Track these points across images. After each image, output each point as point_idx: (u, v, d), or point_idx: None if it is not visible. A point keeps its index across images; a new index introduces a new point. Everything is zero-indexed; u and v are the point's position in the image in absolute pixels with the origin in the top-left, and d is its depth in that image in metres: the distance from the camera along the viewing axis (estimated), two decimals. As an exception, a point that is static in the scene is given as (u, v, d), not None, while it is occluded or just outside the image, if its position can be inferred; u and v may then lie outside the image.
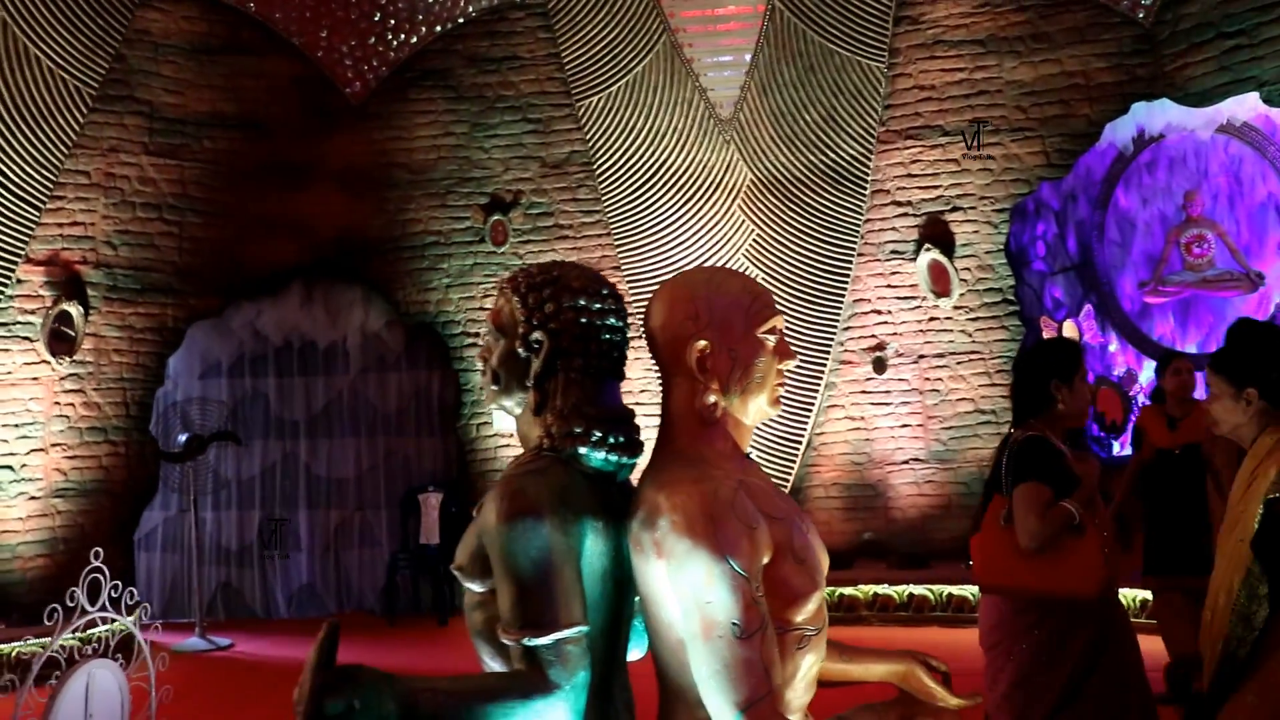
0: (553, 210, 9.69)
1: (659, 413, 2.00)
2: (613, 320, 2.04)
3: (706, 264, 9.45)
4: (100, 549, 4.11)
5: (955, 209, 9.36)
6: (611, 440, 1.98)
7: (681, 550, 1.73)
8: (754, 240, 9.53)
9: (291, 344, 9.96)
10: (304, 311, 9.96)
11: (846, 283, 9.48)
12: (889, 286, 9.51)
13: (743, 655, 1.69)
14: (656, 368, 2.01)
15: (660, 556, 1.76)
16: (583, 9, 9.42)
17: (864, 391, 9.65)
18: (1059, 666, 3.32)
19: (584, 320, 2.00)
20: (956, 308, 9.36)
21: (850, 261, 9.46)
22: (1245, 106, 8.73)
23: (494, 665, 1.93)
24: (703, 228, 9.56)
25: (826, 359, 9.50)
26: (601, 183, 9.60)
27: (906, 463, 9.48)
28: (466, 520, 9.48)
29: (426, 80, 9.65)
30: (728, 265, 9.31)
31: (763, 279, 9.43)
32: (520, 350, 2.01)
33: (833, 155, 9.38)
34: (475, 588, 1.94)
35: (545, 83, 9.58)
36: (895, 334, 9.51)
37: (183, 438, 8.92)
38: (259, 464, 9.92)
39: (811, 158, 9.40)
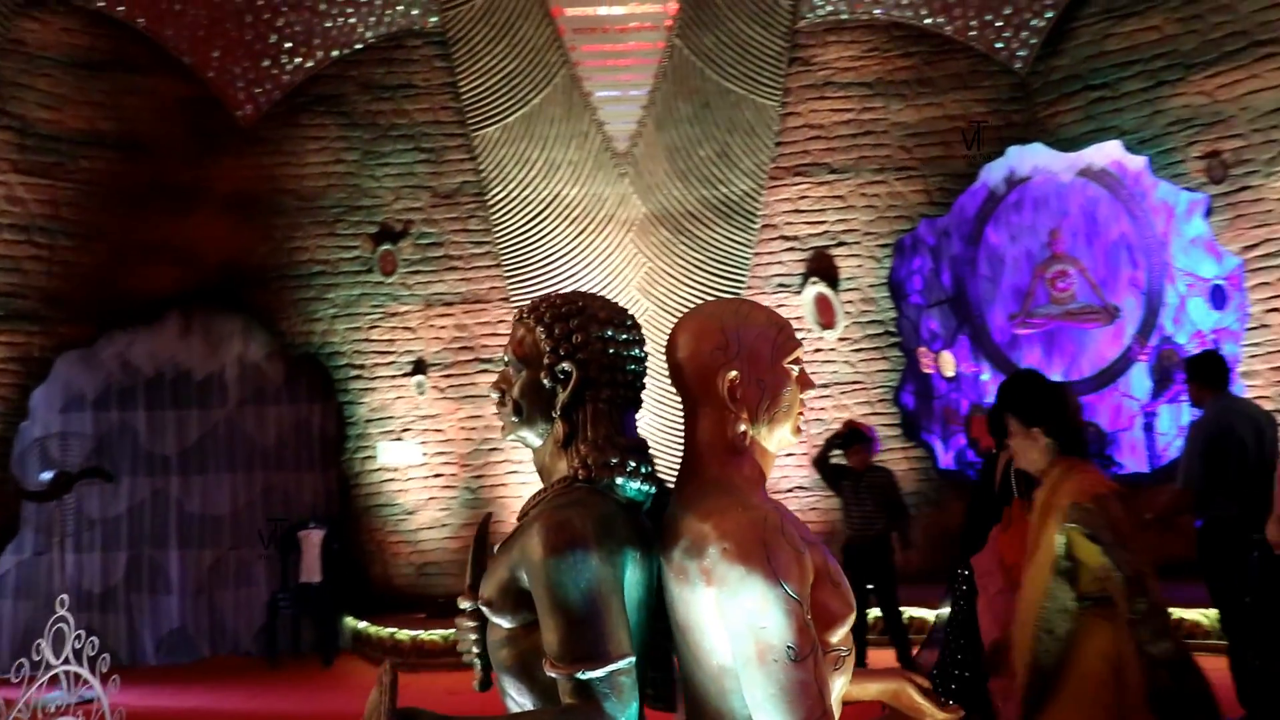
0: (443, 240, 9.57)
1: (682, 443, 1.99)
2: (637, 351, 2.03)
3: (606, 294, 9.49)
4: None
5: (841, 244, 9.66)
6: (644, 470, 1.98)
7: (735, 577, 1.73)
8: (646, 273, 9.61)
9: (164, 375, 9.50)
10: (181, 342, 9.52)
11: (735, 316, 9.64)
12: (775, 320, 9.71)
13: (799, 678, 1.71)
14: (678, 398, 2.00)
15: (710, 584, 1.76)
16: (482, 40, 9.37)
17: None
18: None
19: (611, 351, 1.99)
20: (841, 339, 9.65)
21: (740, 294, 9.63)
22: (1103, 153, 9.31)
23: (523, 702, 1.90)
24: (595, 260, 9.60)
25: (715, 390, 9.62)
26: (494, 213, 9.53)
27: (792, 491, 9.67)
28: (350, 558, 9.23)
29: (319, 105, 9.43)
30: (619, 298, 9.41)
31: (653, 311, 9.53)
32: (545, 381, 1.98)
33: (725, 190, 9.57)
34: (504, 624, 1.91)
35: (439, 112, 9.47)
36: (781, 365, 9.71)
37: (47, 475, 8.38)
38: (126, 501, 9.40)
39: (704, 192, 9.56)
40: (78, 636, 3.88)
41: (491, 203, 9.53)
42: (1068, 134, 9.02)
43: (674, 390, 1.99)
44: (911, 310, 9.90)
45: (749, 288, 9.64)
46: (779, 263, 9.74)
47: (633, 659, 1.80)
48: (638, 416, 2.07)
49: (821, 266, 9.69)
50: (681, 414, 2.02)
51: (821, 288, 9.59)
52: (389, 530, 9.51)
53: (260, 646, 9.17)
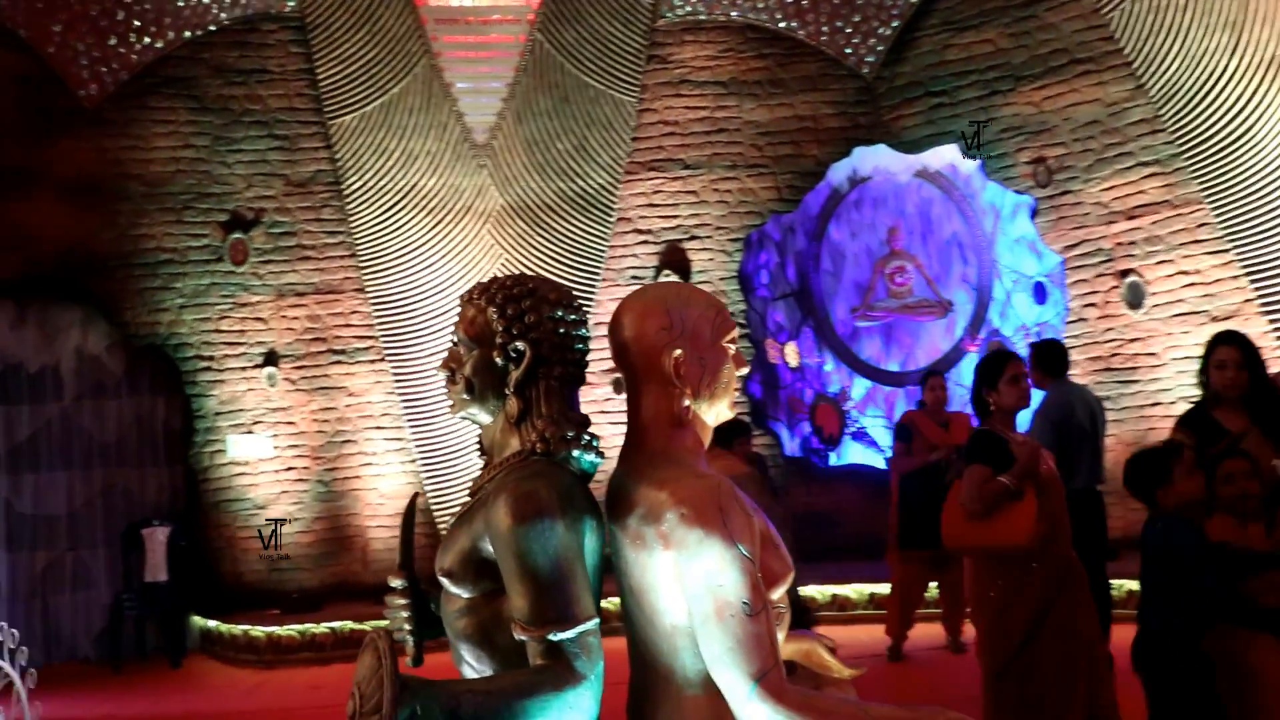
0: (296, 230, 9.36)
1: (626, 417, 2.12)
2: (583, 330, 2.16)
3: (455, 287, 9.48)
4: None
5: (693, 237, 9.93)
6: (595, 444, 2.11)
7: (693, 540, 1.87)
8: (502, 264, 9.64)
9: (-9, 368, 8.97)
10: (13, 333, 8.99)
11: (591, 307, 9.78)
12: (629, 311, 9.90)
13: (754, 631, 1.86)
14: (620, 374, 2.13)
15: (668, 548, 1.89)
16: (341, 26, 9.20)
17: (603, 411, 9.96)
18: (1016, 616, 4.08)
19: (561, 330, 2.10)
20: (693, 332, 9.89)
21: (595, 286, 9.78)
22: (939, 156, 9.85)
23: (481, 669, 2.00)
24: (452, 251, 9.57)
25: (572, 381, 9.74)
26: (349, 203, 9.39)
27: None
28: (199, 554, 8.95)
29: (168, 88, 9.06)
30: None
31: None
32: (498, 359, 2.08)
33: (582, 184, 9.69)
34: (464, 593, 2.00)
35: (295, 99, 9.25)
36: (635, 356, 9.91)
37: None
38: (-54, 503, 8.85)
39: (562, 185, 9.66)
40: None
41: (347, 192, 9.38)
42: (910, 136, 9.54)
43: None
44: (758, 303, 10.25)
45: (603, 280, 9.80)
46: (633, 255, 9.94)
47: (598, 620, 1.93)
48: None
49: (674, 260, 9.94)
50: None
51: (674, 280, 9.82)
52: (239, 526, 9.27)
53: (101, 651, 8.79)
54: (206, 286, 9.23)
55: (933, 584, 7.48)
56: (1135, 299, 8.79)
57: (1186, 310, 8.51)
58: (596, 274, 9.77)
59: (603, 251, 9.79)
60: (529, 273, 2.30)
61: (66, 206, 8.89)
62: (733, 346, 2.12)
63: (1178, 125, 8.32)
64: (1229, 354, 4.41)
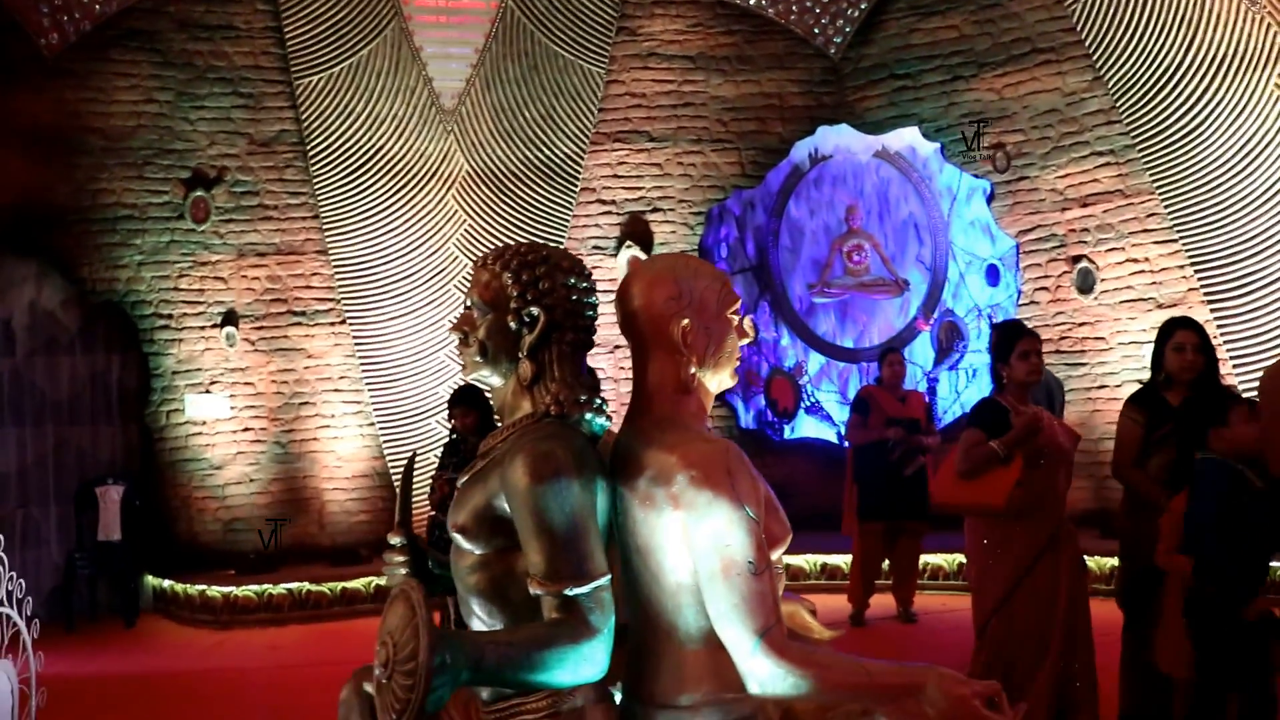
0: (258, 189, 9.27)
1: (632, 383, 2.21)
2: (592, 298, 2.23)
3: (417, 252, 9.48)
4: None
5: (656, 209, 10.01)
6: (605, 407, 2.20)
7: (703, 501, 1.96)
8: (466, 230, 9.65)
9: (-60, 324, 8.79)
10: (-36, 287, 8.82)
11: (553, 276, 9.82)
12: (590, 280, 9.97)
13: (758, 589, 1.96)
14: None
15: (678, 508, 1.98)
16: (312, -15, 9.09)
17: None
18: (996, 575, 4.37)
19: (574, 298, 2.17)
20: (652, 302, 9.99)
21: (558, 256, 9.81)
22: (899, 137, 10.01)
23: (492, 623, 2.08)
24: (415, 215, 9.55)
25: (531, 349, 9.80)
26: (313, 164, 9.31)
27: (601, 448, 10.00)
28: (156, 514, 8.89)
29: (132, 40, 8.87)
30: (437, 255, 9.43)
31: (471, 268, 9.57)
32: (512, 324, 2.14)
33: (548, 152, 9.71)
34: (476, 550, 2.08)
35: (261, 56, 9.13)
36: (594, 325, 9.99)
37: None
38: (-110, 458, 8.69)
39: (528, 153, 9.68)
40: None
41: (311, 153, 9.29)
42: (873, 118, 9.70)
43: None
44: (717, 276, 10.36)
45: (567, 249, 9.82)
46: (596, 225, 10.00)
47: (609, 576, 2.01)
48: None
49: (636, 231, 10.01)
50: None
51: (635, 251, 9.92)
52: (195, 486, 9.22)
53: (53, 610, 8.69)
54: (166, 244, 9.12)
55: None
56: (1086, 284, 9.05)
57: (1134, 297, 8.79)
58: (559, 243, 9.81)
59: (566, 221, 9.83)
60: (538, 241, 2.37)
61: (23, 158, 8.70)
62: (736, 317, 2.21)
63: (1132, 117, 8.55)
64: (1188, 337, 4.55)
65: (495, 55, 9.47)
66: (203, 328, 9.21)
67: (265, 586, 8.52)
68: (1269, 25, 7.77)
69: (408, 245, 9.51)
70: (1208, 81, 8.10)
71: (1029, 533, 4.34)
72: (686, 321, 2.12)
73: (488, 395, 6.36)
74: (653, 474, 2.02)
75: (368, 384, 9.52)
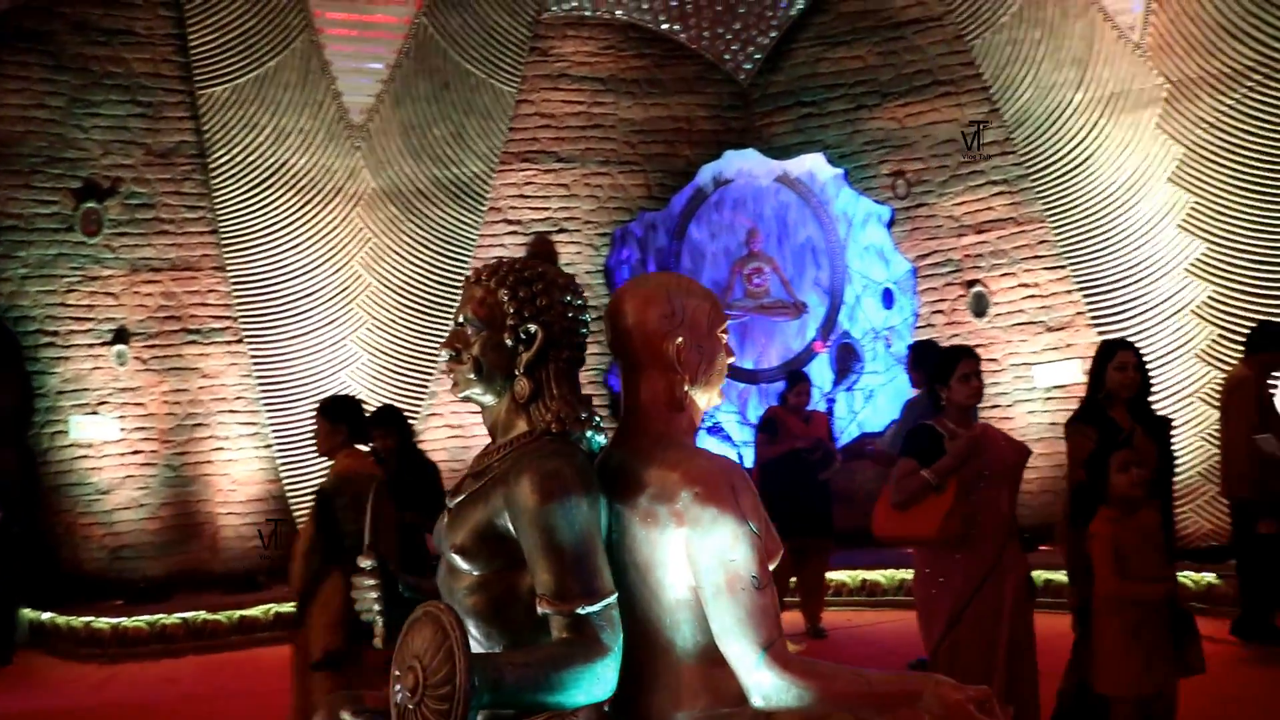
0: (154, 202, 8.94)
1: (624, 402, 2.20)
2: (586, 316, 2.24)
3: (321, 269, 9.27)
4: None
5: (562, 230, 10.03)
6: (601, 424, 2.20)
7: (708, 518, 1.98)
8: (371, 248, 9.48)
9: None
10: None
11: (458, 295, 9.73)
12: (494, 301, 9.92)
13: (762, 603, 1.99)
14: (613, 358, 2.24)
15: (682, 524, 2.00)
16: (220, -8, 8.82)
17: (464, 399, 9.96)
18: (943, 600, 4.28)
19: (570, 315, 2.17)
20: (556, 323, 9.99)
21: (463, 275, 9.73)
22: (799, 163, 10.25)
23: (488, 645, 2.05)
24: (319, 232, 9.34)
25: (433, 369, 9.69)
26: (214, 177, 9.01)
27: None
28: (36, 542, 8.42)
29: (22, 41, 8.43)
30: (341, 273, 9.24)
31: (375, 288, 9.44)
32: (508, 341, 2.12)
33: (457, 171, 9.64)
34: (476, 570, 2.05)
35: (161, 64, 8.81)
36: (497, 346, 9.93)
37: None
38: None
39: (436, 172, 9.58)
40: None
41: (212, 166, 8.99)
42: (779, 143, 9.93)
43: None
44: (619, 297, 10.42)
45: (471, 269, 9.75)
46: (501, 246, 9.95)
47: (616, 594, 2.00)
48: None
49: (542, 251, 9.99)
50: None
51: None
52: (79, 511, 8.78)
53: (-80, 647, 8.16)
54: (54, 257, 8.68)
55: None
56: (979, 308, 9.42)
57: (1025, 320, 9.18)
58: (465, 263, 9.73)
59: (473, 240, 9.76)
60: (529, 258, 2.35)
61: (-100, 163, 8.21)
62: (725, 336, 2.24)
63: (1026, 149, 8.97)
64: (1128, 357, 4.74)
65: (407, 72, 9.36)
66: (91, 345, 8.80)
67: (157, 616, 8.16)
68: (1152, 68, 8.25)
69: (311, 263, 9.29)
70: (1096, 117, 8.55)
71: (970, 561, 4.25)
72: (680, 340, 2.14)
73: (407, 418, 6.27)
74: (655, 491, 2.03)
75: (265, 405, 9.24)
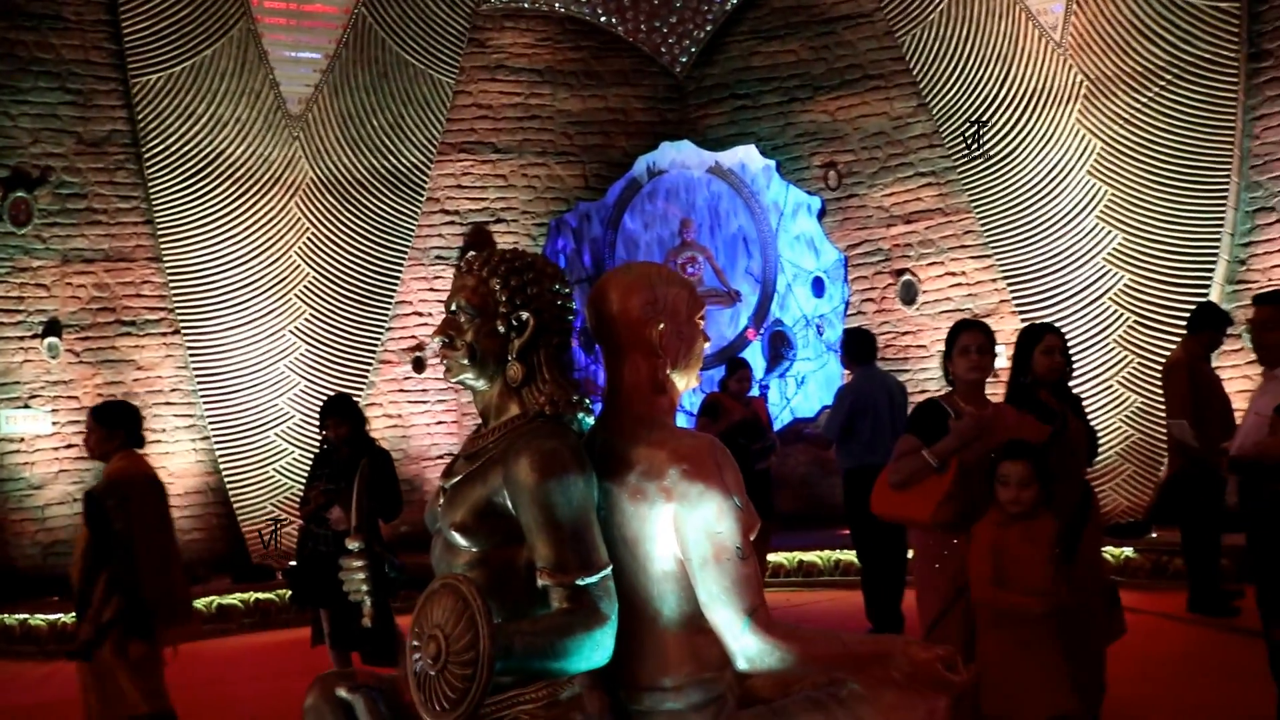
0: (86, 192, 8.78)
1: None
2: (573, 303, 2.36)
3: (258, 259, 9.20)
4: None
5: (499, 220, 10.10)
6: (591, 406, 2.32)
7: (695, 492, 2.13)
8: (309, 238, 9.44)
9: None
10: None
11: (397, 285, 9.75)
12: (431, 290, 9.97)
13: (745, 572, 2.15)
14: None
15: (670, 500, 2.14)
16: (154, -21, 8.68)
17: (402, 390, 9.99)
18: (939, 582, 4.10)
19: (559, 302, 2.29)
20: (494, 312, 10.06)
21: (401, 265, 9.76)
22: (732, 154, 10.46)
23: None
24: (256, 222, 9.26)
25: (372, 359, 9.69)
26: (149, 167, 8.88)
27: (441, 458, 9.97)
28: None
29: (-55, 27, 8.24)
30: (279, 263, 9.18)
31: (314, 277, 9.40)
32: (500, 327, 2.23)
33: (395, 161, 9.63)
34: (474, 547, 2.16)
35: (92, 51, 8.65)
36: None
37: None
38: None
39: (374, 162, 9.56)
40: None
41: (147, 155, 8.86)
42: (713, 135, 10.12)
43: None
44: (555, 287, 10.51)
45: (409, 259, 9.78)
46: (439, 235, 9.99)
47: (611, 566, 2.13)
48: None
49: (479, 241, 10.05)
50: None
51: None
52: (11, 507, 8.62)
53: None
54: (-18, 248, 8.51)
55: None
56: (908, 296, 9.72)
57: (952, 308, 9.49)
58: (403, 253, 9.74)
59: (411, 230, 9.77)
60: (518, 249, 2.46)
61: None
62: (702, 323, 2.38)
63: (953, 142, 9.27)
64: (1055, 341, 4.71)
65: (345, 61, 9.32)
66: (21, 338, 8.63)
67: (97, 611, 8.06)
68: (1071, 66, 8.59)
69: (248, 252, 9.21)
70: (1020, 112, 8.87)
71: (964, 547, 3.97)
72: (663, 326, 2.27)
73: (358, 406, 6.31)
74: (644, 469, 2.16)
75: (202, 397, 9.15)
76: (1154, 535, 7.93)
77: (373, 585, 2.33)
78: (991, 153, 9.07)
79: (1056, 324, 8.82)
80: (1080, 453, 4.77)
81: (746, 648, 2.13)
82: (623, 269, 2.41)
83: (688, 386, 2.37)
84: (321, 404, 6.30)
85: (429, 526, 2.35)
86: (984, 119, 8.81)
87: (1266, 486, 3.98)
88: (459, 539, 2.16)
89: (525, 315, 2.22)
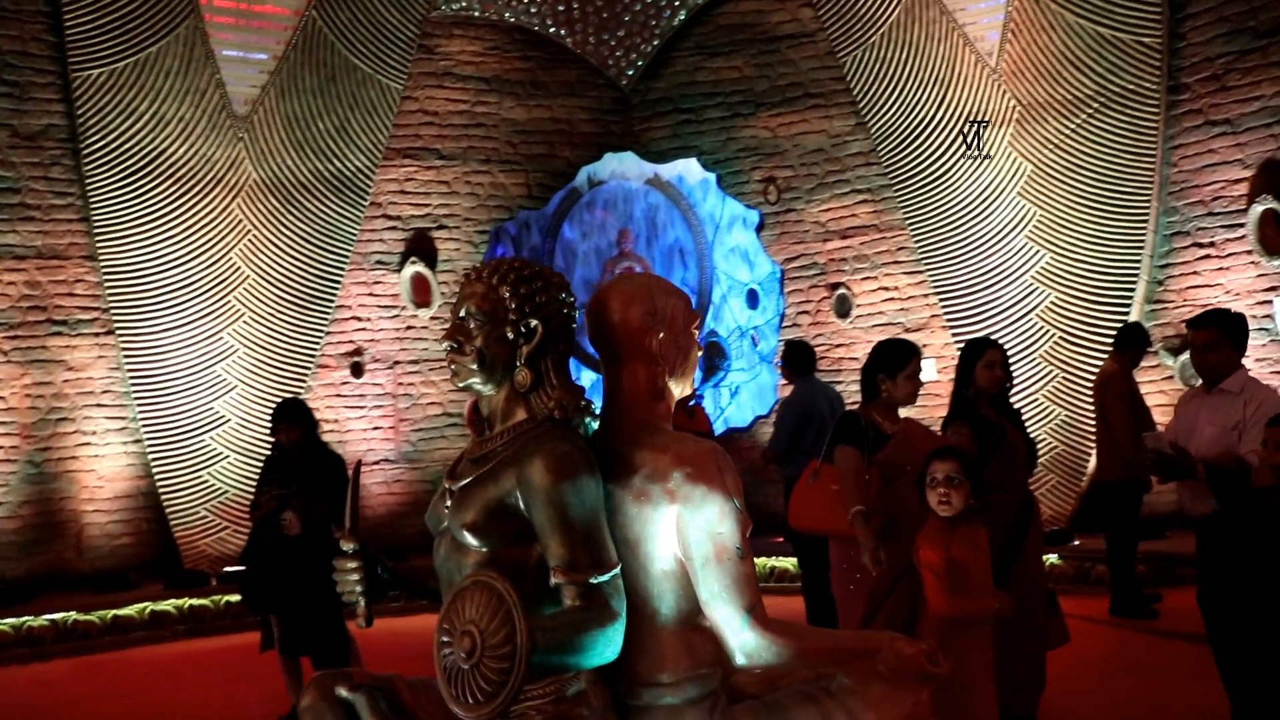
0: (19, 187, 8.55)
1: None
2: (577, 312, 2.46)
3: (197, 261, 9.08)
4: None
5: (442, 227, 10.11)
6: (596, 410, 2.42)
7: (698, 495, 2.23)
8: (250, 240, 9.34)
9: None
10: None
11: (337, 290, 9.70)
12: (371, 295, 9.95)
13: (744, 571, 2.27)
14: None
15: (674, 502, 2.24)
16: (102, -29, 8.50)
17: (339, 395, 9.94)
18: (860, 594, 4.33)
19: (565, 311, 2.38)
20: (433, 318, 10.09)
21: (343, 269, 9.71)
22: (671, 167, 10.62)
23: None
24: (197, 223, 9.12)
25: (311, 363, 9.62)
26: (87, 163, 8.69)
27: (378, 463, 9.93)
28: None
29: (-125, 15, 7.98)
30: (220, 265, 9.07)
31: (254, 280, 9.31)
32: (510, 334, 2.30)
33: (340, 165, 9.59)
34: (485, 546, 2.23)
35: (30, 43, 8.44)
36: (373, 340, 9.96)
37: None
38: None
39: (319, 165, 9.51)
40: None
41: (85, 152, 8.67)
42: (657, 148, 10.29)
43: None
44: (494, 295, 10.55)
45: (350, 264, 9.74)
46: (380, 240, 9.96)
47: (620, 564, 2.23)
48: None
49: (421, 247, 10.07)
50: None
51: (420, 268, 9.97)
52: (-67, 510, 8.37)
53: None
54: (-90, 243, 8.26)
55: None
56: (843, 309, 9.98)
57: (885, 321, 9.78)
58: (346, 258, 9.70)
59: (354, 235, 9.72)
60: (524, 258, 2.53)
61: None
62: (697, 333, 2.51)
63: (889, 160, 9.56)
64: (997, 356, 4.98)
65: (293, 64, 9.24)
66: (-52, 337, 8.40)
67: (24, 619, 7.89)
68: (1005, 91, 8.93)
69: (187, 253, 9.07)
70: (955, 133, 9.19)
71: (888, 556, 4.22)
72: (662, 335, 2.38)
73: (311, 410, 6.28)
74: (649, 472, 2.27)
75: (136, 399, 8.98)
76: (1076, 542, 8.28)
77: (366, 586, 2.38)
78: (926, 172, 9.37)
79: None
80: (1020, 463, 5.00)
81: (746, 643, 2.25)
82: (624, 279, 2.52)
83: (683, 394, 2.48)
84: (274, 408, 6.26)
85: (431, 528, 2.40)
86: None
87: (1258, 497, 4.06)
88: (470, 539, 2.23)
89: (534, 322, 2.29)
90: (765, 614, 2.27)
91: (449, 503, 2.34)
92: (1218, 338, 4.34)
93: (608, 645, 2.14)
